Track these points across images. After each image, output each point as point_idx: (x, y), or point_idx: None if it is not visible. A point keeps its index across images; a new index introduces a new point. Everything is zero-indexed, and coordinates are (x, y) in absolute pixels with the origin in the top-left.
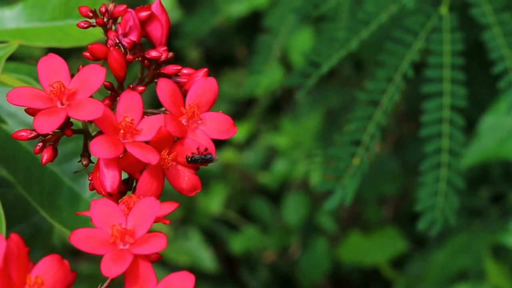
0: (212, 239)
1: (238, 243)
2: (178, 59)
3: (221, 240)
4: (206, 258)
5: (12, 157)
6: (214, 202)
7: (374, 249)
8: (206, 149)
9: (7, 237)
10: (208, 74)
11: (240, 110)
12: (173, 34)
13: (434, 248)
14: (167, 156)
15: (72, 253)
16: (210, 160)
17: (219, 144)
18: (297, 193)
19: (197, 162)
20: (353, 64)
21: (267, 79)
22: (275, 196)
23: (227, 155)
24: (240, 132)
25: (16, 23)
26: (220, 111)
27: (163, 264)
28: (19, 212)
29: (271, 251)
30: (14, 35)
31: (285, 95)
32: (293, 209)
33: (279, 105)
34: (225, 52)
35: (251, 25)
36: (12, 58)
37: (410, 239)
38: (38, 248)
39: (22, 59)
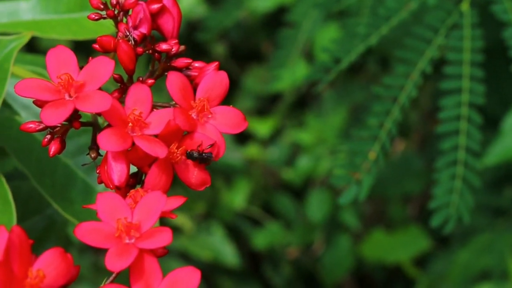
0: (235, 234)
1: (261, 239)
2: (203, 53)
3: (244, 235)
4: (229, 254)
5: (26, 149)
6: (238, 198)
7: (397, 247)
8: (208, 147)
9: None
10: (233, 70)
11: (265, 106)
12: (197, 29)
13: (457, 247)
14: (176, 150)
15: (90, 246)
16: (208, 159)
17: (243, 139)
18: (320, 189)
19: (194, 159)
20: (379, 60)
21: (289, 73)
22: (298, 192)
23: (251, 151)
24: (264, 128)
25: (32, 15)
26: (231, 106)
27: (186, 258)
28: (33, 205)
29: (294, 247)
30: (29, 27)
31: (310, 91)
32: (316, 206)
33: (304, 101)
34: (250, 48)
35: (278, 21)
36: (36, 50)
37: (433, 238)
38: (52, 240)
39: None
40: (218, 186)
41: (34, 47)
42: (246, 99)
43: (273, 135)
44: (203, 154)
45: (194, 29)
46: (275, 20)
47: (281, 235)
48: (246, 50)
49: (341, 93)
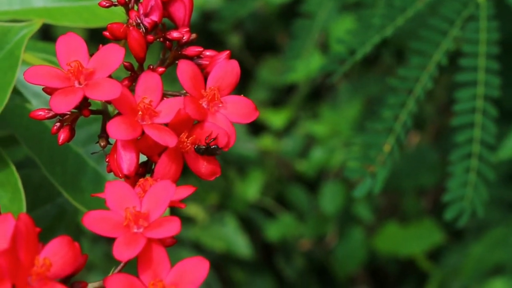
0: (248, 225)
1: (274, 231)
2: (218, 44)
3: (257, 227)
4: (242, 245)
5: (36, 137)
6: (251, 189)
7: (410, 240)
8: (213, 139)
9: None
10: (248, 60)
11: (279, 97)
12: (212, 19)
13: (471, 241)
14: (186, 139)
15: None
16: (214, 152)
17: (257, 130)
18: (334, 181)
19: (200, 152)
20: (395, 52)
21: (304, 65)
22: (312, 184)
23: (265, 142)
24: (279, 119)
25: (44, 2)
26: (242, 95)
27: (198, 249)
28: (44, 193)
29: (307, 239)
30: (41, 14)
31: (325, 83)
32: (330, 198)
33: (319, 93)
34: (266, 38)
35: (293, 11)
36: (50, 38)
37: (447, 231)
38: (63, 229)
39: None
40: (231, 177)
41: (49, 35)
42: (260, 90)
43: (287, 127)
44: (210, 147)
45: (209, 19)
46: (291, 11)
47: (294, 226)
48: (261, 40)
49: (356, 85)
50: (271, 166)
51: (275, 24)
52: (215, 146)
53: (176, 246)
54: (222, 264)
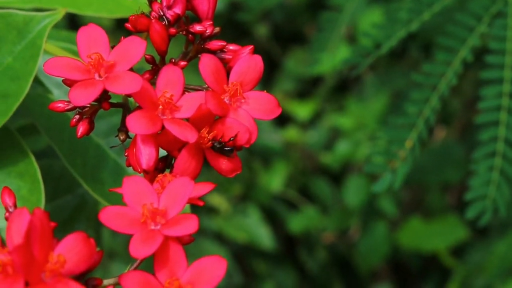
0: (271, 217)
1: (297, 223)
2: (245, 34)
3: (280, 218)
4: (264, 236)
5: (58, 127)
6: (275, 180)
7: (434, 235)
8: (231, 139)
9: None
10: (275, 51)
11: (306, 88)
12: (239, 9)
13: (495, 239)
14: (207, 135)
15: None
16: (228, 153)
17: (282, 122)
18: (359, 175)
19: (215, 150)
20: (422, 47)
21: (330, 57)
22: (336, 177)
23: (291, 134)
24: (304, 111)
25: None
26: (265, 91)
27: (221, 239)
28: (65, 183)
29: (330, 232)
30: (65, 4)
31: (352, 75)
32: (354, 191)
33: (345, 85)
34: (294, 30)
35: (321, 3)
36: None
37: (471, 228)
38: (83, 219)
39: None
40: (255, 168)
41: (76, 23)
42: (287, 81)
43: (312, 118)
44: (223, 147)
45: (236, 9)
46: (319, 2)
47: (317, 219)
48: (289, 31)
49: (382, 79)
50: (296, 158)
51: (303, 15)
52: (230, 148)
53: (199, 236)
54: (244, 255)
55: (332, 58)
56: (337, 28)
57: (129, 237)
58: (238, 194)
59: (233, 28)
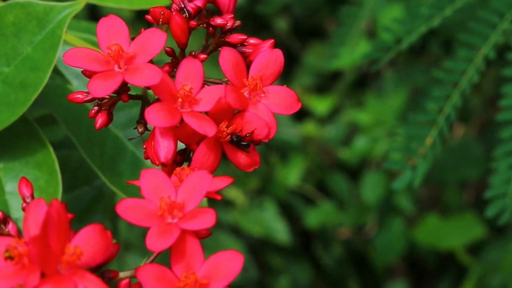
0: (288, 211)
1: (313, 218)
2: (264, 27)
3: (296, 213)
4: (280, 230)
5: (76, 118)
6: (292, 175)
7: (451, 233)
8: (248, 134)
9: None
10: (295, 45)
11: (325, 83)
12: (259, 2)
13: None
14: (226, 129)
15: None
16: (245, 147)
17: (301, 116)
18: (376, 171)
19: (232, 143)
20: (443, 43)
21: (349, 52)
22: (353, 172)
23: (308, 128)
24: (323, 106)
25: None
26: (285, 85)
27: (237, 233)
28: (83, 175)
29: (346, 228)
30: None
31: (371, 71)
32: (371, 187)
33: (364, 81)
34: (314, 24)
35: None
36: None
37: (489, 226)
38: (100, 211)
39: None
40: (273, 162)
41: (96, 14)
42: (306, 75)
43: (331, 113)
44: (240, 141)
45: (256, 2)
46: None
47: (334, 215)
48: (309, 26)
49: (402, 75)
50: (313, 152)
51: (323, 10)
52: (247, 142)
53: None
54: (259, 249)
55: (352, 53)
56: (357, 23)
57: (145, 229)
58: (255, 188)
59: (253, 21)
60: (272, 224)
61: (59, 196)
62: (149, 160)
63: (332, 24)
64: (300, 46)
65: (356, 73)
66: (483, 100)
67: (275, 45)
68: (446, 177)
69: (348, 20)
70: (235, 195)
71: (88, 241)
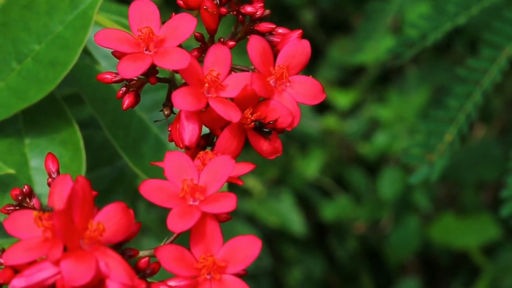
0: (304, 203)
1: (329, 211)
2: (291, 18)
3: (313, 205)
4: (296, 222)
5: (103, 99)
6: (311, 167)
7: (466, 233)
8: (271, 122)
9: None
10: (320, 38)
11: (348, 77)
12: None
13: None
14: (250, 116)
15: None
16: (267, 134)
17: (322, 109)
18: (394, 167)
19: (255, 129)
20: (468, 42)
21: (373, 46)
22: (372, 168)
23: (329, 121)
24: (345, 100)
25: None
26: (310, 76)
27: (253, 222)
28: (105, 155)
29: (362, 222)
30: None
31: (395, 67)
32: (388, 183)
33: (387, 77)
34: (339, 17)
35: None
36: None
37: (504, 228)
38: (121, 192)
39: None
40: (292, 153)
41: None
42: (329, 69)
43: (352, 108)
44: (263, 127)
45: None
46: None
47: (350, 209)
48: (335, 19)
49: (425, 72)
50: (333, 146)
51: (350, 4)
52: (269, 130)
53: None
54: (274, 239)
55: (376, 48)
56: (383, 18)
57: (163, 213)
58: (273, 178)
59: (279, 12)
60: (288, 215)
61: (83, 173)
62: (172, 144)
63: (359, 18)
64: (325, 39)
65: (379, 69)
66: (505, 101)
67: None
68: (464, 176)
69: (375, 15)
70: (253, 184)
71: (111, 218)
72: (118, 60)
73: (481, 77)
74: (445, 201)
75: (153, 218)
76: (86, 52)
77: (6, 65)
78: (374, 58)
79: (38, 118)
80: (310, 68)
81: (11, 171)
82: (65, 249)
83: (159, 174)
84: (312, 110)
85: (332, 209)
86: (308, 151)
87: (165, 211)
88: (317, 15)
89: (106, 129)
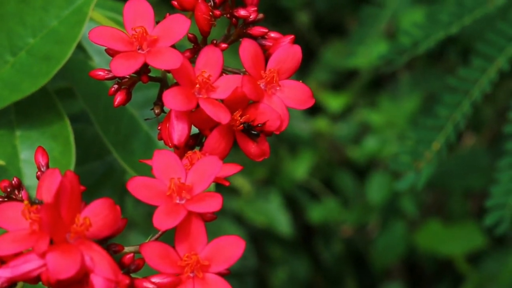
0: (292, 204)
1: (317, 213)
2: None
3: (300, 207)
4: (283, 222)
5: (95, 94)
6: (300, 168)
7: (451, 240)
8: (259, 125)
9: (81, 174)
10: (314, 40)
11: (340, 80)
12: None
13: None
14: (239, 118)
15: None
16: (255, 137)
17: (313, 111)
18: (383, 172)
19: (244, 131)
20: (461, 51)
21: (366, 51)
22: (361, 172)
23: (320, 124)
24: (336, 103)
25: None
26: (300, 81)
27: (240, 221)
28: (95, 149)
29: (349, 226)
30: None
31: (387, 73)
32: (377, 188)
33: (380, 82)
34: (335, 21)
35: None
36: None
37: (490, 237)
38: (109, 187)
39: None
40: (282, 155)
41: None
42: (322, 71)
43: (344, 111)
44: (251, 130)
45: None
46: None
47: (338, 212)
48: (330, 22)
49: (418, 79)
50: (323, 148)
51: (346, 7)
52: (257, 132)
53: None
54: (260, 239)
55: (370, 52)
56: (377, 23)
57: (150, 209)
58: (262, 178)
59: (274, 13)
60: (276, 215)
61: (72, 168)
62: (162, 141)
63: (353, 22)
64: (320, 42)
65: (372, 74)
66: (495, 112)
67: (295, 39)
68: (452, 184)
69: (369, 20)
70: (242, 183)
71: (98, 214)
72: (107, 54)
73: (471, 87)
74: (432, 208)
75: (140, 214)
76: (80, 47)
77: (0, 57)
78: (367, 62)
79: (30, 111)
80: (303, 69)
81: (1, 162)
82: (51, 242)
83: (147, 171)
84: (303, 112)
85: (319, 211)
86: (298, 153)
87: (153, 207)
88: (312, 17)
89: (97, 124)
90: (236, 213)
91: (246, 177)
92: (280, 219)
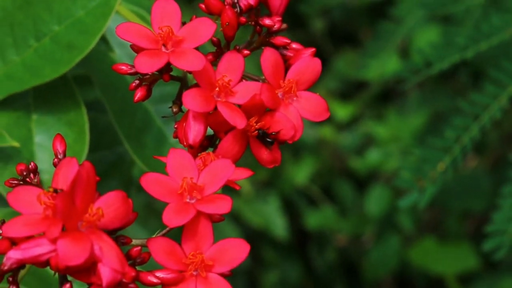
0: (290, 208)
1: (313, 219)
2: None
3: (298, 211)
4: (279, 226)
5: (113, 85)
6: (301, 174)
7: (445, 259)
8: (274, 133)
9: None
10: (327, 48)
11: (349, 90)
12: (302, 1)
13: (505, 274)
14: (255, 124)
15: None
16: (269, 144)
17: None
18: (383, 185)
19: (258, 138)
20: (473, 74)
21: (379, 65)
22: (361, 183)
23: (325, 131)
24: (344, 112)
25: None
26: (318, 94)
27: (237, 221)
28: (107, 139)
29: (344, 235)
30: None
31: (397, 87)
32: (375, 200)
33: (388, 95)
34: (349, 31)
35: (382, 10)
36: None
37: (483, 259)
38: (116, 177)
39: None
40: (284, 158)
41: None
42: (332, 79)
43: (350, 121)
44: (265, 137)
45: (298, 1)
46: (380, 9)
47: (334, 220)
48: (344, 31)
49: (427, 97)
50: (326, 156)
51: (361, 19)
52: (271, 140)
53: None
54: (255, 240)
55: (382, 67)
56: (393, 39)
57: (149, 200)
58: (263, 180)
59: (290, 18)
60: (273, 218)
61: (85, 156)
62: (173, 138)
63: (368, 33)
64: (333, 50)
65: (382, 86)
66: (501, 136)
67: (308, 45)
68: (450, 204)
69: (385, 35)
70: (242, 183)
71: (111, 205)
72: (131, 49)
73: (481, 112)
74: (429, 225)
75: (140, 204)
76: (102, 38)
77: (24, 41)
78: (378, 76)
79: (48, 96)
80: None
81: (16, 144)
82: (63, 229)
83: (157, 166)
84: None
85: (316, 218)
86: (300, 158)
87: (151, 198)
88: (327, 25)
89: (112, 115)
90: (234, 213)
91: (247, 178)
92: (276, 222)
